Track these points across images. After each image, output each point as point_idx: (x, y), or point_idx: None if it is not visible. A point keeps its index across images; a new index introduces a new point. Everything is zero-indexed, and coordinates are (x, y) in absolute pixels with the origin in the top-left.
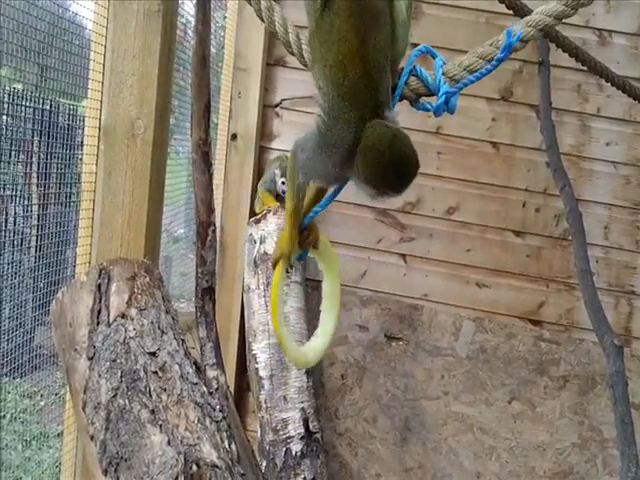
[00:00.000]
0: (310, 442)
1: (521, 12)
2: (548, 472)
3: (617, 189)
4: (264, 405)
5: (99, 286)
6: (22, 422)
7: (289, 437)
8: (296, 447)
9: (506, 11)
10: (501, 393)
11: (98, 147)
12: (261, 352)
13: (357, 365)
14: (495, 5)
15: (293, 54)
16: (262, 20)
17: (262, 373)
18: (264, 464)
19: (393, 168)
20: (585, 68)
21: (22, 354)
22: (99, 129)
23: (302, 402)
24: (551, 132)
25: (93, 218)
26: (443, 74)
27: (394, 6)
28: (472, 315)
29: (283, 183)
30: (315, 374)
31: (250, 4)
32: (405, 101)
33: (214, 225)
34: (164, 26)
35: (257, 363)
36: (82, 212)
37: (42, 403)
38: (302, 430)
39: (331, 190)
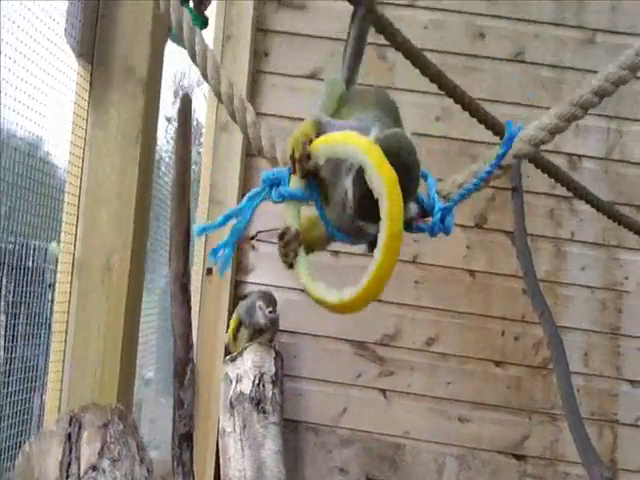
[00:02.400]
0: None
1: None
2: None
3: (595, 314)
4: None
5: (69, 435)
6: None
7: None
8: None
9: (479, 139)
10: None
11: (71, 283)
12: None
13: None
14: (468, 133)
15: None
16: (247, 135)
17: None
18: None
19: None
20: (558, 193)
21: None
22: (72, 264)
23: None
24: (527, 258)
25: (64, 360)
26: (437, 192)
27: None
28: (455, 452)
29: (270, 312)
30: None
31: (235, 121)
32: None
33: (193, 363)
34: (142, 156)
35: None
36: (53, 353)
37: None
38: None
39: None
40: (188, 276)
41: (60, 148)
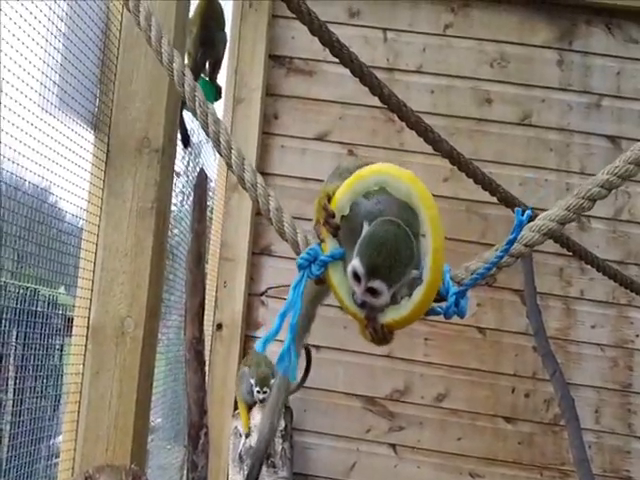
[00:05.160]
0: None
1: (507, 200)
2: None
3: (605, 372)
4: None
5: None
6: None
7: None
8: None
9: (486, 199)
10: None
11: (86, 346)
12: None
13: None
14: (475, 193)
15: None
16: (271, 222)
17: None
18: None
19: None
20: (567, 252)
21: None
22: (87, 327)
23: None
24: (538, 317)
25: (78, 421)
26: (451, 278)
27: None
28: None
29: (259, 392)
30: None
31: (258, 205)
32: None
33: (207, 427)
34: (157, 224)
35: None
36: (67, 414)
37: None
38: None
39: None
40: (203, 344)
41: (68, 196)
